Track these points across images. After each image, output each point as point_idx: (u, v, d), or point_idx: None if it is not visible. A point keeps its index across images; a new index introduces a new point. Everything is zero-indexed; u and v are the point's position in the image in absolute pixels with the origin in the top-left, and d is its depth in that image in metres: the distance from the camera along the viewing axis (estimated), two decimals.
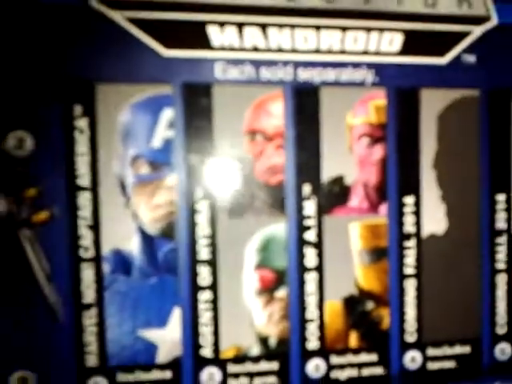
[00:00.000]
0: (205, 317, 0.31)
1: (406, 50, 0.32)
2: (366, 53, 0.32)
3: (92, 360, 0.30)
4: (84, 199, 0.30)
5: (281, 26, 0.31)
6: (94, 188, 0.29)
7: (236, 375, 0.32)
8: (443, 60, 0.33)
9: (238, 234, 0.31)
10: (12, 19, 0.28)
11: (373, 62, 0.32)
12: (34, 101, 0.29)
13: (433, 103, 0.33)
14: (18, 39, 0.28)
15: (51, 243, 0.29)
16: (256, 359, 0.32)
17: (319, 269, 0.32)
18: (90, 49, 0.29)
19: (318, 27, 0.31)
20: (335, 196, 0.32)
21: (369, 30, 0.32)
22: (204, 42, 0.30)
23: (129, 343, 0.31)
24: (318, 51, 0.31)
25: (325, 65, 0.32)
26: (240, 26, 0.31)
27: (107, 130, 0.29)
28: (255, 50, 0.31)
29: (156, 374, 0.31)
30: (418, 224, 0.33)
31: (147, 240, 0.30)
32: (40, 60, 0.29)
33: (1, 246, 0.29)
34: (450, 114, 0.33)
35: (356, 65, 0.32)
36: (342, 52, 0.32)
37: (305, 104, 0.31)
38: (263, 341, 0.32)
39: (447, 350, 0.34)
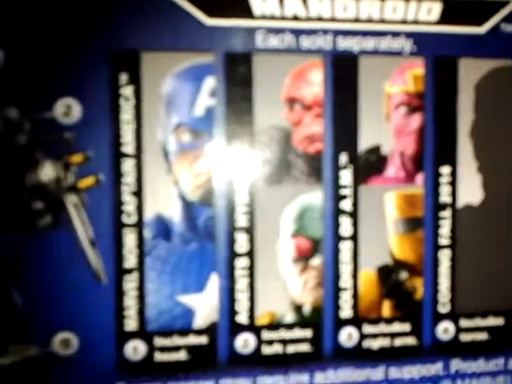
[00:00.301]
0: (241, 283, 0.43)
1: (444, 19, 0.45)
2: (404, 22, 0.44)
3: (131, 324, 0.43)
4: (128, 166, 0.42)
5: None
6: (138, 155, 0.42)
7: (270, 342, 0.45)
8: (481, 29, 0.45)
9: (275, 202, 0.44)
10: None
11: (411, 31, 0.44)
12: (81, 69, 0.41)
13: (470, 73, 0.46)
14: (64, 9, 0.40)
15: (95, 209, 0.42)
16: (290, 326, 0.45)
17: (354, 238, 0.45)
18: (134, 18, 0.41)
19: None
20: (371, 165, 0.44)
21: None
22: (246, 11, 0.42)
23: (167, 308, 0.43)
24: (357, 20, 0.44)
25: (364, 33, 0.44)
26: None
27: (151, 98, 0.42)
28: (295, 18, 0.43)
29: (192, 339, 0.44)
30: (453, 194, 0.46)
31: (187, 207, 0.42)
32: (86, 28, 0.41)
33: (48, 211, 0.40)
34: (487, 83, 0.45)
35: (395, 34, 0.44)
36: (381, 21, 0.44)
37: (343, 73, 0.44)
38: (297, 308, 0.45)
39: (480, 322, 0.47)
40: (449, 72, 0.45)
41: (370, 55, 0.44)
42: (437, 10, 0.45)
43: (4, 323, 0.42)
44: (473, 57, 0.45)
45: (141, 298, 0.44)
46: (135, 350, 0.45)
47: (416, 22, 0.45)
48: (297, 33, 0.44)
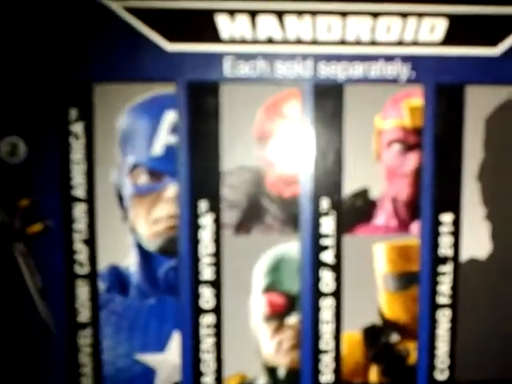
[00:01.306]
0: (207, 342, 0.39)
1: (449, 39, 0.38)
2: (400, 43, 0.38)
3: (86, 382, 0.39)
4: (79, 211, 0.38)
5: (300, 12, 0.37)
6: (90, 199, 0.38)
7: None
8: (495, 51, 0.38)
9: (245, 253, 0.39)
10: (3, 19, 0.35)
11: (409, 54, 0.38)
12: (27, 104, 0.37)
13: (480, 103, 0.38)
14: (8, 39, 0.36)
15: (45, 257, 0.38)
16: None
17: (337, 294, 0.39)
18: (86, 46, 0.37)
19: (343, 13, 0.37)
20: (358, 212, 0.39)
21: (405, 15, 0.37)
22: (212, 34, 0.37)
23: (125, 366, 0.39)
24: (343, 42, 0.37)
25: (351, 58, 0.38)
26: (253, 14, 0.37)
27: (104, 135, 0.37)
28: (270, 41, 0.37)
29: None
30: (455, 246, 0.39)
31: (146, 257, 0.38)
32: (32, 60, 0.37)
33: None
34: (499, 116, 0.38)
35: (388, 58, 0.38)
36: (373, 43, 0.38)
37: (326, 104, 0.38)
38: (271, 371, 0.40)
39: None
40: (453, 102, 0.38)
41: (357, 83, 0.38)
42: (441, 27, 0.38)
43: None
44: (483, 84, 0.38)
45: (96, 354, 0.40)
46: None
47: (415, 44, 0.38)
48: (271, 58, 0.37)
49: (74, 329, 0.39)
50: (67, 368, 0.39)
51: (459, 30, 0.38)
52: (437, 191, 0.39)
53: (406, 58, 0.38)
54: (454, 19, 0.38)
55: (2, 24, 0.36)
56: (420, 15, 0.38)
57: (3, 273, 0.38)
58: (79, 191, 0.38)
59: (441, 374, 0.41)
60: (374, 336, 0.40)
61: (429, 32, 0.38)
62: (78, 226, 0.38)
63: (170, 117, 0.38)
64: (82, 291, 0.39)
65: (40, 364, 0.39)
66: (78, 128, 0.38)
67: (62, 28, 0.36)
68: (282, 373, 0.41)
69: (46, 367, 0.40)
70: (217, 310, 0.40)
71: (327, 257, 0.40)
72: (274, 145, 0.39)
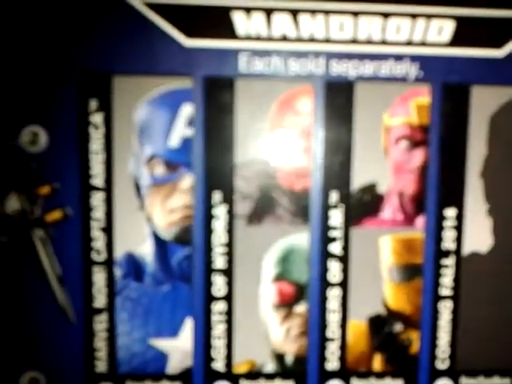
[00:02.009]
0: (218, 329, 0.41)
1: (456, 40, 0.39)
2: (409, 43, 0.39)
3: (101, 366, 0.41)
4: (97, 200, 0.39)
5: (314, 11, 0.38)
6: (108, 188, 0.39)
7: None
8: (500, 52, 0.40)
9: (256, 243, 0.40)
10: (24, 10, 0.37)
11: (417, 54, 0.39)
12: (49, 94, 0.38)
13: (485, 102, 0.40)
14: (30, 30, 0.37)
15: (63, 244, 0.39)
16: (270, 376, 0.42)
17: (343, 285, 0.41)
18: (106, 39, 0.38)
19: (355, 13, 0.39)
20: (366, 205, 0.40)
21: (414, 16, 0.39)
22: (228, 31, 0.38)
23: (139, 351, 0.41)
24: (354, 41, 0.39)
25: (362, 57, 0.39)
26: (268, 12, 0.38)
27: (123, 126, 0.39)
28: (284, 39, 0.39)
29: None
30: (458, 240, 0.41)
31: (161, 245, 0.40)
32: (54, 52, 0.38)
33: (13, 245, 0.39)
34: (504, 115, 0.40)
35: (398, 57, 0.39)
36: (383, 42, 0.39)
37: (337, 101, 0.39)
38: (279, 357, 0.41)
39: (484, 381, 0.42)
40: (459, 101, 0.40)
41: (368, 81, 0.39)
42: (449, 29, 0.40)
43: None
44: (488, 84, 0.40)
45: (111, 339, 0.41)
46: None
47: (423, 44, 0.39)
48: (285, 55, 0.39)
49: (90, 314, 0.41)
50: (83, 352, 0.41)
51: (466, 32, 0.39)
52: (441, 187, 0.40)
53: (414, 58, 0.40)
54: (461, 21, 0.40)
55: (26, 13, 0.37)
56: (429, 17, 0.40)
57: (22, 259, 0.40)
58: (98, 180, 0.40)
59: (442, 364, 0.43)
60: (379, 325, 0.42)
61: (437, 33, 0.40)
62: (95, 215, 0.40)
63: (187, 110, 0.39)
64: (99, 278, 0.40)
65: (56, 349, 0.41)
66: (97, 118, 0.39)
67: (84, 21, 0.38)
68: (289, 359, 0.42)
69: (63, 352, 0.41)
70: (228, 298, 0.41)
71: (335, 248, 0.41)
72: (286, 139, 0.41)
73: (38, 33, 0.38)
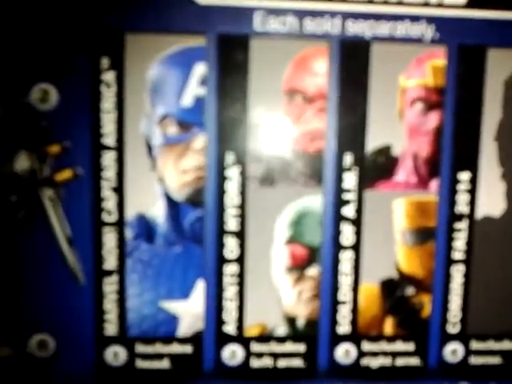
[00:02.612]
0: (229, 291, 0.41)
1: (473, 2, 0.39)
2: (426, 4, 0.39)
3: (111, 328, 0.41)
4: (109, 159, 0.39)
5: None
6: (120, 148, 0.39)
7: (259, 355, 0.42)
8: None
9: (269, 205, 0.40)
10: None
11: (434, 15, 0.39)
12: (59, 52, 0.38)
13: (501, 65, 0.40)
14: None
15: (73, 204, 0.39)
16: (282, 339, 0.42)
17: (356, 248, 0.41)
18: None
19: None
20: (380, 168, 0.40)
21: None
22: None
23: (149, 314, 0.41)
24: (370, 1, 0.39)
25: (378, 17, 0.39)
26: None
27: (135, 84, 0.38)
28: None
29: (176, 348, 0.42)
30: (471, 204, 0.41)
31: (173, 206, 0.40)
32: (64, 8, 0.38)
33: (22, 205, 0.38)
34: None
35: (414, 18, 0.39)
36: (399, 3, 0.39)
37: (353, 61, 0.39)
38: (290, 321, 0.42)
39: (493, 345, 0.43)
40: (475, 64, 0.40)
41: (384, 42, 0.39)
42: None
43: None
44: (504, 47, 0.40)
45: (121, 301, 0.42)
46: (115, 355, 0.42)
47: (440, 5, 0.39)
48: (301, 15, 0.39)
49: (100, 276, 0.41)
50: (93, 315, 0.41)
51: None
52: (456, 150, 0.41)
53: (430, 19, 0.40)
54: None
55: None
56: None
57: (31, 219, 0.40)
58: (109, 140, 0.39)
59: (453, 328, 0.43)
60: (391, 289, 0.42)
61: None
62: (106, 174, 0.40)
63: (200, 69, 0.39)
64: (109, 239, 0.40)
65: (66, 311, 0.41)
66: (109, 77, 0.39)
67: None
68: (301, 323, 0.43)
69: (72, 314, 0.41)
70: (240, 260, 0.41)
71: (348, 211, 0.41)
72: (300, 100, 0.40)
73: None
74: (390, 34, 0.40)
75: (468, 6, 0.40)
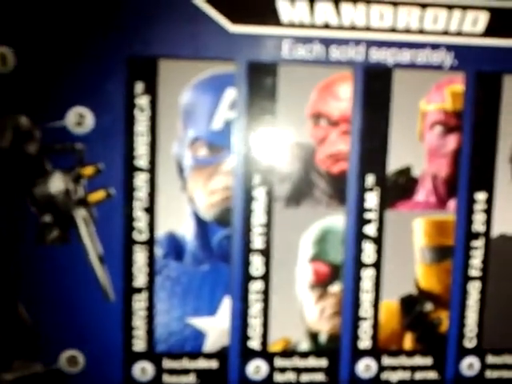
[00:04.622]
0: (255, 307, 0.43)
1: (490, 30, 0.43)
2: (446, 33, 0.43)
3: (139, 344, 0.44)
4: (141, 180, 0.42)
5: (355, 1, 0.42)
6: (152, 169, 0.42)
7: (283, 370, 0.45)
8: None
9: (293, 224, 0.43)
10: None
11: (453, 43, 0.43)
12: (96, 76, 0.41)
13: None
14: (80, 13, 0.40)
15: (105, 224, 0.42)
16: (305, 355, 0.45)
17: (377, 265, 0.45)
18: (153, 23, 0.41)
19: (395, 3, 0.42)
20: (400, 188, 0.44)
21: (451, 7, 0.43)
22: (273, 18, 0.42)
23: (177, 330, 0.44)
24: (393, 30, 0.43)
25: (400, 45, 0.43)
26: (312, 0, 0.41)
27: (168, 109, 0.42)
28: (326, 27, 0.42)
29: (202, 363, 0.44)
30: (488, 223, 0.45)
31: (201, 225, 0.43)
32: (101, 33, 0.41)
33: (56, 225, 0.41)
34: None
35: (434, 46, 0.43)
36: (420, 31, 0.43)
37: (375, 87, 0.43)
38: (313, 336, 0.45)
39: (509, 359, 0.47)
40: (492, 89, 0.44)
41: (405, 69, 0.43)
42: (483, 20, 0.44)
43: (10, 338, 0.44)
44: None
45: (150, 318, 0.45)
46: (143, 370, 0.46)
47: (459, 34, 0.44)
48: (327, 42, 0.43)
49: (129, 293, 0.44)
50: (122, 331, 0.44)
51: (500, 23, 0.44)
52: (473, 171, 0.45)
53: (450, 47, 0.44)
54: (495, 13, 0.44)
55: (76, 2, 0.40)
56: (464, 8, 0.43)
57: (65, 238, 0.42)
58: (141, 161, 0.43)
59: (469, 342, 0.47)
60: (410, 305, 0.46)
61: (472, 24, 0.43)
62: (138, 195, 0.43)
63: (230, 94, 0.42)
64: (140, 257, 0.43)
65: (95, 327, 0.44)
66: (143, 101, 0.42)
67: (133, 8, 0.40)
68: (323, 338, 0.46)
69: (102, 330, 0.44)
70: (265, 277, 0.45)
71: (370, 230, 0.45)
72: (325, 123, 0.43)
73: (87, 16, 0.41)
74: (412, 61, 0.44)
75: (486, 34, 0.44)
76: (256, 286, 0.45)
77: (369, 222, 0.45)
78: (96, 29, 0.41)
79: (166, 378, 0.45)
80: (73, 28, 0.41)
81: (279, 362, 0.46)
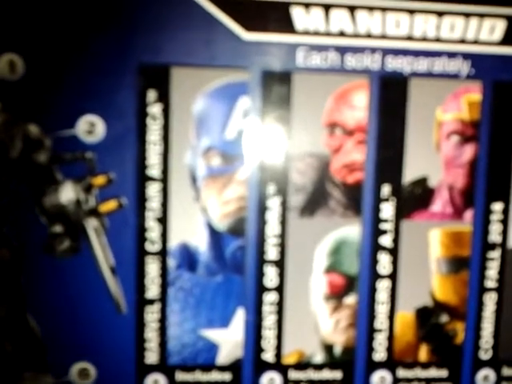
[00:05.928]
0: (269, 319, 0.43)
1: (507, 39, 0.43)
2: (462, 41, 0.43)
3: (152, 357, 0.44)
4: (153, 190, 0.42)
5: (371, 8, 0.42)
6: (164, 179, 0.42)
7: (297, 382, 0.45)
8: None
9: (308, 235, 0.43)
10: (85, 1, 0.39)
11: (470, 51, 0.43)
12: (108, 84, 0.41)
13: None
14: (92, 20, 0.40)
15: (117, 234, 0.42)
16: (319, 367, 0.45)
17: (393, 277, 0.45)
18: (166, 31, 0.41)
19: (411, 11, 0.42)
20: (416, 199, 0.44)
21: (467, 15, 0.42)
22: (287, 26, 0.41)
23: (190, 342, 0.44)
24: (410, 38, 0.43)
25: (416, 53, 0.43)
26: (327, 8, 0.41)
27: (181, 117, 0.41)
28: (341, 35, 0.42)
29: (215, 376, 0.44)
30: (504, 233, 0.45)
31: (215, 236, 0.43)
32: (113, 41, 0.41)
33: (67, 235, 0.41)
34: None
35: (451, 54, 0.43)
36: (437, 40, 0.43)
37: (391, 96, 0.43)
38: (328, 348, 0.45)
39: None
40: (509, 99, 0.44)
41: (421, 77, 0.43)
42: (500, 28, 0.44)
43: (20, 350, 0.44)
44: None
45: (162, 330, 0.45)
46: (156, 383, 0.45)
47: (476, 42, 0.44)
48: (342, 50, 0.43)
49: (142, 305, 0.44)
50: (134, 343, 0.44)
51: None
52: (489, 181, 0.45)
53: (466, 56, 0.44)
54: None
55: (88, 4, 0.40)
56: (481, 16, 0.43)
57: (76, 249, 0.42)
58: (154, 171, 0.42)
59: (485, 354, 0.47)
60: (426, 316, 0.46)
61: (489, 32, 0.44)
62: (151, 205, 0.43)
63: (244, 103, 0.42)
64: (152, 268, 0.43)
65: (107, 339, 0.44)
66: (155, 109, 0.42)
67: (145, 13, 0.41)
68: (338, 350, 0.46)
69: (114, 342, 0.44)
70: (279, 289, 0.44)
71: (385, 241, 0.45)
72: (340, 132, 0.43)
73: (99, 23, 0.41)
74: (428, 70, 0.44)
75: (503, 42, 0.44)
76: (270, 298, 0.45)
77: (384, 232, 0.45)
78: (108, 36, 0.41)
79: None
80: (84, 35, 0.41)
81: (293, 375, 0.46)
